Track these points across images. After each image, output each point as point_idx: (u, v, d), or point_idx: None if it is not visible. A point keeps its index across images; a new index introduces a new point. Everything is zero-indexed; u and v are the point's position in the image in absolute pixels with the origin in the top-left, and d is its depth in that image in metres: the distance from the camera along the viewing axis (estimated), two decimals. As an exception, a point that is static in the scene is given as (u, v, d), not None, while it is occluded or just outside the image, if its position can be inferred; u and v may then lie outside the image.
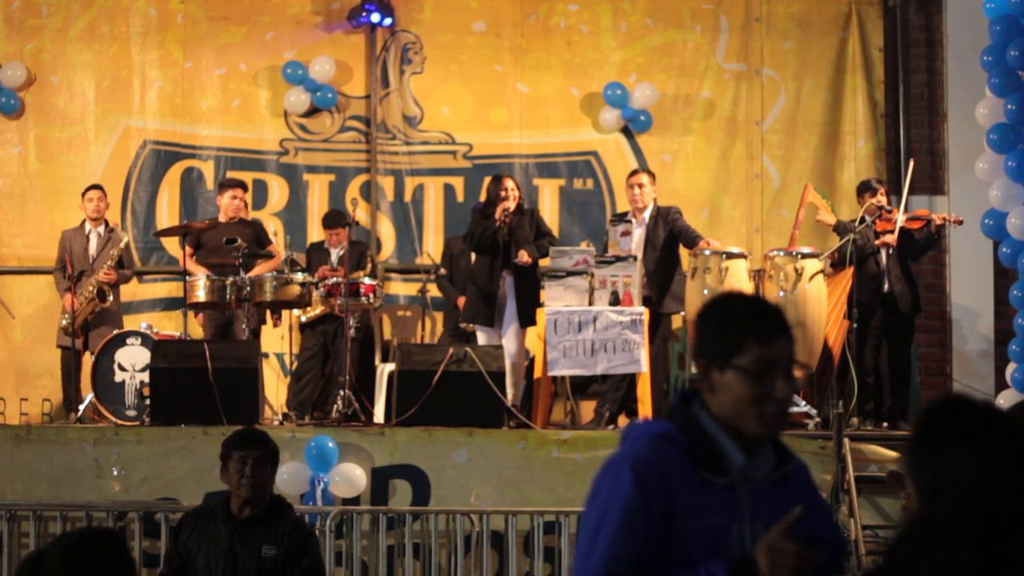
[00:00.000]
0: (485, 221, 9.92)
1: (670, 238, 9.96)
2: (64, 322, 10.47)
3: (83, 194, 10.78)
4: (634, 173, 10.27)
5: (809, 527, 2.98)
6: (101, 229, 10.67)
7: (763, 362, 2.90)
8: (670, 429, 3.00)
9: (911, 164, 10.39)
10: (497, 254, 9.91)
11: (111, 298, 10.48)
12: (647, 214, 10.02)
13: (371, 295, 10.16)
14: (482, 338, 9.91)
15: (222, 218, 10.63)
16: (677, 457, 2.95)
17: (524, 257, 9.80)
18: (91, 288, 10.38)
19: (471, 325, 10.24)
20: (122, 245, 10.63)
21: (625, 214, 10.15)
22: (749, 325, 2.93)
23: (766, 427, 2.95)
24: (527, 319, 9.80)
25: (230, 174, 11.82)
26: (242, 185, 10.87)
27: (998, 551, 2.61)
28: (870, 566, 2.87)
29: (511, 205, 9.86)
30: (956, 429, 2.72)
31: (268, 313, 10.50)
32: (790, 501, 2.96)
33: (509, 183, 10.00)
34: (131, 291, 11.72)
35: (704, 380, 2.98)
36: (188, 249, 10.26)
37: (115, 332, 10.26)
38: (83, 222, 10.74)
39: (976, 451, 2.67)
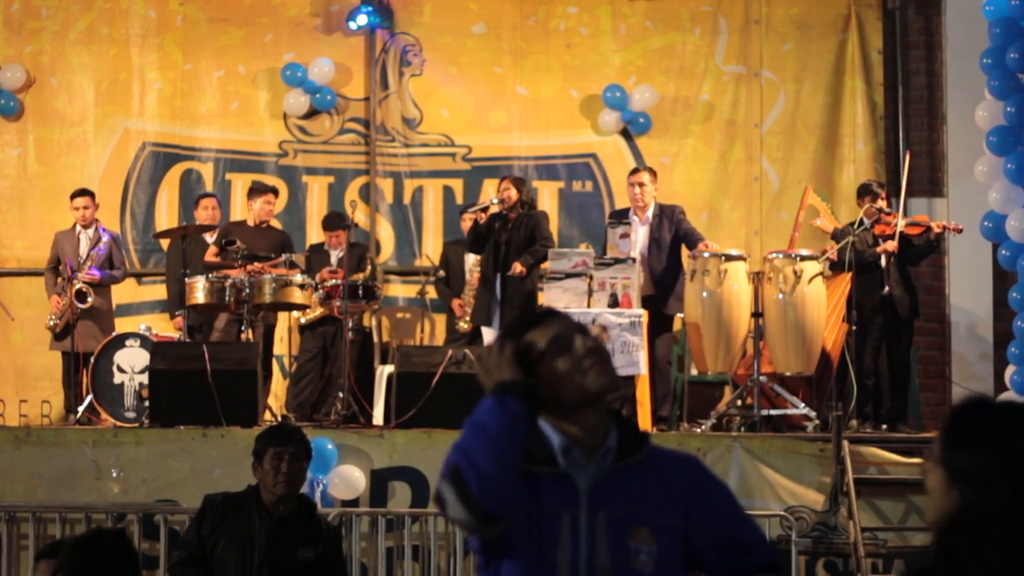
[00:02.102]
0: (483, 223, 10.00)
1: (675, 239, 9.94)
2: (50, 323, 10.47)
3: (71, 199, 10.73)
4: (635, 171, 10.23)
5: (701, 525, 3.01)
6: (91, 231, 10.66)
7: (555, 338, 2.97)
8: None
9: (907, 158, 10.43)
10: (491, 255, 9.96)
11: (91, 298, 10.43)
12: (649, 212, 10.01)
13: (371, 297, 10.16)
14: (488, 337, 9.94)
15: (251, 222, 10.68)
16: None
17: (516, 269, 9.85)
18: (71, 291, 10.35)
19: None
20: (103, 242, 10.59)
21: (625, 212, 10.14)
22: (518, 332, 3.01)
23: (594, 379, 2.95)
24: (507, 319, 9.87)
25: (229, 176, 11.83)
26: (274, 191, 10.94)
27: None
28: (913, 564, 2.79)
29: (494, 208, 9.97)
30: (997, 419, 2.71)
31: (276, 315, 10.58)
32: (641, 486, 2.98)
33: (503, 184, 10.12)
34: (130, 293, 11.73)
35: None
36: (213, 248, 10.35)
37: (114, 334, 10.27)
38: (74, 224, 10.73)
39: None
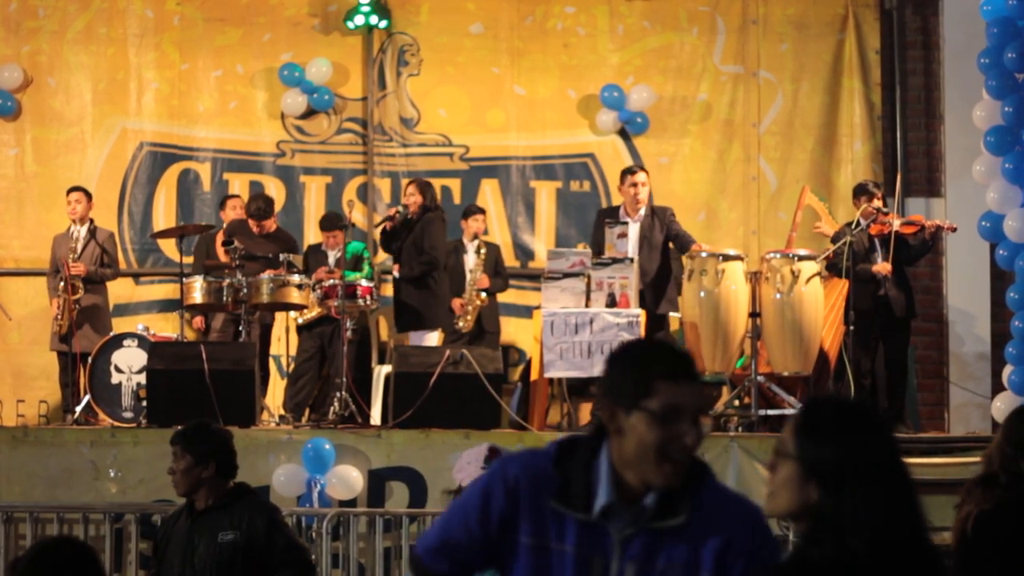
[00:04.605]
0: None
1: (665, 240, 10.00)
2: (54, 327, 10.49)
3: (67, 194, 10.78)
4: (634, 171, 10.22)
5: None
6: (84, 230, 10.66)
7: (671, 406, 2.86)
8: (553, 451, 3.02)
9: (898, 177, 10.48)
10: (396, 258, 10.58)
11: (81, 290, 10.43)
12: (642, 212, 10.04)
13: (368, 297, 10.17)
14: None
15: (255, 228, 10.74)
16: (543, 476, 2.98)
17: (395, 270, 10.44)
18: (60, 286, 10.37)
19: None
20: (84, 234, 10.60)
21: (616, 210, 10.18)
22: (660, 368, 2.90)
23: (664, 477, 2.88)
24: (404, 323, 10.41)
25: (227, 176, 11.84)
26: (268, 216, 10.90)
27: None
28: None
29: (392, 212, 10.37)
30: (847, 416, 2.85)
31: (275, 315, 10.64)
32: (676, 547, 2.92)
33: (409, 188, 10.57)
34: (128, 293, 11.73)
35: (611, 423, 2.93)
36: (220, 236, 10.53)
37: (112, 334, 10.28)
38: (69, 226, 10.74)
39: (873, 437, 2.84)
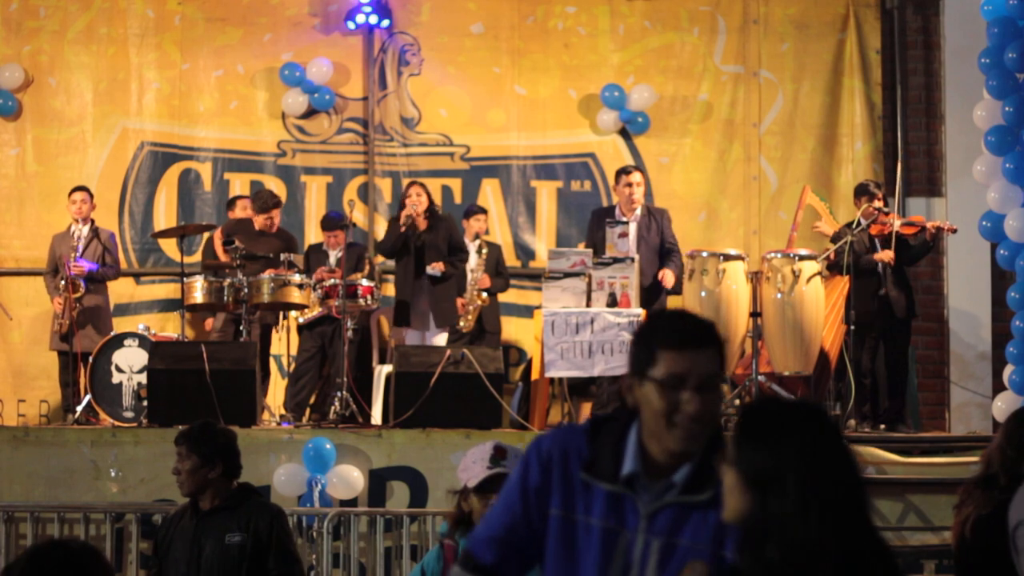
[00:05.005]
0: (393, 227, 10.35)
1: (662, 242, 10.05)
2: (55, 327, 10.49)
3: (69, 195, 10.78)
4: (628, 171, 10.25)
5: None
6: (85, 229, 10.67)
7: (673, 375, 2.88)
8: (588, 426, 3.06)
9: (899, 168, 10.47)
10: (410, 260, 10.34)
11: (83, 289, 10.44)
12: (638, 212, 10.08)
13: (369, 297, 10.18)
14: (430, 339, 10.32)
15: (258, 226, 10.72)
16: (575, 449, 3.02)
17: (439, 267, 10.25)
18: (62, 285, 10.38)
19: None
20: (96, 239, 10.62)
21: (611, 210, 10.20)
22: (662, 337, 2.92)
23: (676, 442, 2.91)
24: (443, 319, 10.27)
25: (228, 176, 11.84)
26: (279, 205, 10.90)
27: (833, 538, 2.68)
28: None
29: (411, 212, 10.22)
30: (780, 418, 2.78)
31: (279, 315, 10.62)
32: (703, 523, 2.93)
33: (413, 191, 10.40)
34: (128, 292, 11.73)
35: (629, 395, 2.97)
36: (219, 236, 10.53)
37: (113, 334, 10.29)
38: (70, 225, 10.75)
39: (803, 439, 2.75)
